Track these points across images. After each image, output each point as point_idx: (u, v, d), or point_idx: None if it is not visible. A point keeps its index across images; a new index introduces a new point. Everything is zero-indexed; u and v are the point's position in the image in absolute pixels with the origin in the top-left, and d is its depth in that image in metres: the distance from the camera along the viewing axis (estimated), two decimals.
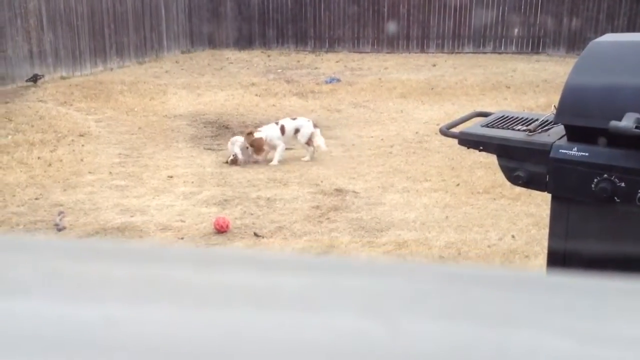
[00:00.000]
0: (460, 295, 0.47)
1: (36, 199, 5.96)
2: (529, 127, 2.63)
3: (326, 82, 12.60)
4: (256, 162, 7.27)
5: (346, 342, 0.40)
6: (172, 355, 0.39)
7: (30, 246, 0.56)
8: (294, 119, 7.58)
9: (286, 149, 7.41)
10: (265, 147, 7.26)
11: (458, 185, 6.26)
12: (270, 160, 7.26)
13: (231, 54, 16.71)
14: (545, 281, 0.51)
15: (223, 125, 9.33)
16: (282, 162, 7.25)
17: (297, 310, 0.44)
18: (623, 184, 2.20)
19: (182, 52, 16.70)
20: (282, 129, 7.31)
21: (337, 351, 0.39)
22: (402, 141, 8.19)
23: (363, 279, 0.49)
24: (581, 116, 2.35)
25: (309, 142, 7.34)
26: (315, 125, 7.44)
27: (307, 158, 7.36)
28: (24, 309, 0.43)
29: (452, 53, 16.40)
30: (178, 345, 0.39)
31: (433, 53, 16.44)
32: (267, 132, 7.26)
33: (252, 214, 5.57)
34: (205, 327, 0.42)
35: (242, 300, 0.45)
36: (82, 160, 7.30)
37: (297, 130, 7.34)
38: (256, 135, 7.21)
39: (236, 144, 7.20)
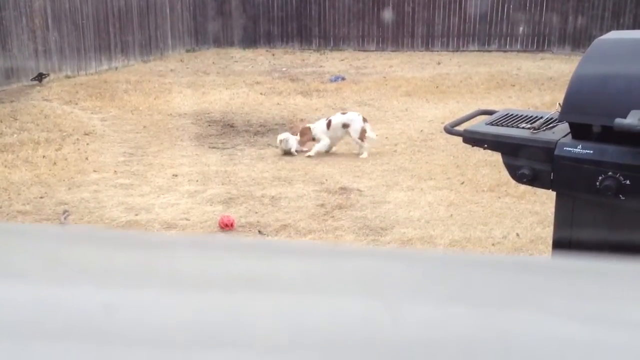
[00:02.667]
0: (461, 281, 0.47)
1: (41, 197, 5.98)
2: (534, 124, 2.62)
3: (331, 81, 12.59)
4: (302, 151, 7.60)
5: (348, 327, 0.40)
6: (172, 341, 0.39)
7: (31, 233, 0.56)
8: (344, 113, 7.66)
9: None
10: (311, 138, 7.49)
11: (463, 183, 6.25)
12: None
13: (236, 53, 16.72)
14: (547, 265, 0.51)
15: (228, 124, 9.33)
16: (287, 161, 7.25)
17: (299, 296, 0.44)
18: (628, 182, 2.20)
19: (187, 51, 16.71)
20: (329, 124, 7.41)
21: (339, 336, 0.39)
22: (406, 139, 8.18)
23: (365, 265, 0.49)
24: (586, 114, 2.34)
25: (362, 137, 7.36)
26: (365, 120, 7.45)
27: (364, 155, 7.32)
28: (24, 295, 0.43)
29: (457, 51, 16.38)
30: (178, 331, 0.39)
31: (438, 51, 16.41)
32: (316, 126, 7.52)
33: (256, 212, 5.58)
34: (206, 313, 0.42)
35: (243, 286, 0.45)
36: (87, 158, 7.32)
37: (346, 125, 7.39)
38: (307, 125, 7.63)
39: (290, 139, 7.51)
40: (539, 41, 16.21)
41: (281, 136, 7.57)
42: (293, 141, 7.48)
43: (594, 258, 0.48)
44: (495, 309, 0.43)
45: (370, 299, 0.43)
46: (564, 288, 0.46)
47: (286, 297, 0.44)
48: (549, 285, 0.46)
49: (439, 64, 14.47)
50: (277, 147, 7.56)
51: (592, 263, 0.49)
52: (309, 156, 7.38)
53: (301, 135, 7.50)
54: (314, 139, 7.49)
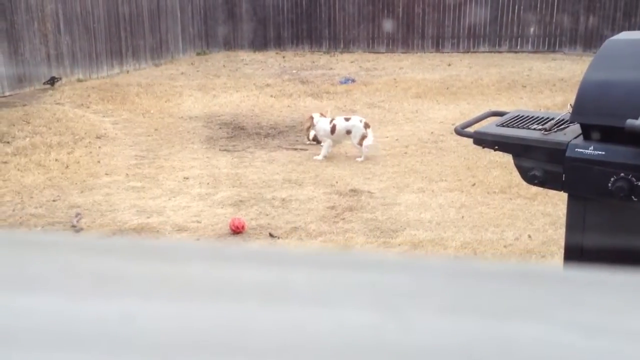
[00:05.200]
0: (469, 290, 0.47)
1: (54, 200, 6.01)
2: (545, 126, 2.61)
3: (341, 83, 12.59)
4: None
5: (355, 336, 0.40)
6: (185, 349, 0.39)
7: (47, 243, 0.57)
8: (348, 119, 7.65)
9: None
10: (312, 131, 7.79)
11: (474, 185, 6.23)
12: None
13: (246, 55, 16.75)
14: (555, 275, 0.51)
15: (238, 127, 9.36)
16: (297, 163, 7.26)
17: (307, 305, 0.45)
18: None
19: (198, 54, 16.77)
20: (333, 129, 7.45)
21: (346, 345, 0.39)
22: (417, 141, 8.17)
23: (372, 273, 0.49)
24: (597, 115, 2.33)
25: (361, 142, 7.39)
26: (367, 125, 7.45)
27: (361, 159, 7.36)
28: (41, 305, 0.44)
29: (468, 52, 16.34)
30: (191, 340, 0.40)
31: (448, 52, 16.38)
32: (319, 122, 7.62)
33: (267, 215, 5.58)
34: (218, 322, 0.42)
35: (253, 296, 0.45)
36: (98, 162, 7.36)
37: (349, 131, 7.44)
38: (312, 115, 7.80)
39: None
40: (550, 42, 16.14)
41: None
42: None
43: (603, 268, 0.48)
44: (500, 319, 0.43)
45: (378, 307, 0.43)
46: (571, 299, 0.46)
47: (295, 306, 0.45)
48: (557, 296, 0.46)
49: (449, 65, 14.44)
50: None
51: (600, 274, 0.49)
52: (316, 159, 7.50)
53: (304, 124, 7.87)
54: (310, 129, 7.76)
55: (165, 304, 0.45)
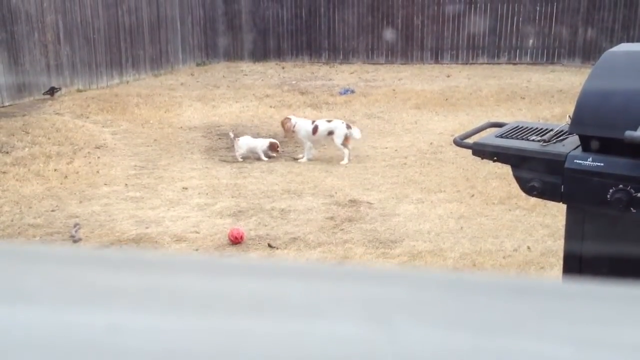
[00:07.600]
0: (462, 303, 0.47)
1: (52, 210, 6.00)
2: (544, 137, 2.62)
3: (340, 94, 12.61)
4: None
5: (348, 349, 0.40)
6: None
7: (39, 255, 0.56)
8: (329, 121, 8.00)
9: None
10: (292, 131, 7.93)
11: (473, 196, 6.23)
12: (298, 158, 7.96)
13: (246, 66, 16.79)
14: (547, 288, 0.51)
15: (238, 137, 9.35)
16: (297, 174, 7.26)
17: (300, 318, 0.45)
18: (639, 194, 2.18)
19: (198, 65, 16.81)
20: (315, 129, 7.77)
21: (340, 358, 0.39)
22: (416, 152, 8.18)
23: (365, 286, 0.49)
24: (596, 126, 2.33)
25: (345, 143, 7.70)
26: (349, 126, 7.75)
27: (345, 161, 7.65)
28: (33, 316, 0.44)
29: (467, 64, 16.38)
30: (183, 353, 0.40)
31: (447, 64, 16.43)
32: (299, 123, 7.93)
33: (266, 225, 5.58)
34: (209, 335, 0.42)
35: (245, 308, 0.45)
36: (98, 172, 7.36)
37: (330, 132, 7.75)
38: (288, 116, 8.20)
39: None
40: (548, 53, 16.20)
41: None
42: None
43: (601, 281, 0.48)
44: (493, 332, 0.43)
45: (372, 320, 0.43)
46: (568, 313, 0.46)
47: (287, 319, 0.44)
48: (553, 309, 0.46)
49: (448, 76, 14.48)
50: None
51: (597, 287, 0.49)
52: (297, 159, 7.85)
53: (282, 126, 8.12)
54: (293, 131, 7.95)
55: (155, 317, 0.45)
